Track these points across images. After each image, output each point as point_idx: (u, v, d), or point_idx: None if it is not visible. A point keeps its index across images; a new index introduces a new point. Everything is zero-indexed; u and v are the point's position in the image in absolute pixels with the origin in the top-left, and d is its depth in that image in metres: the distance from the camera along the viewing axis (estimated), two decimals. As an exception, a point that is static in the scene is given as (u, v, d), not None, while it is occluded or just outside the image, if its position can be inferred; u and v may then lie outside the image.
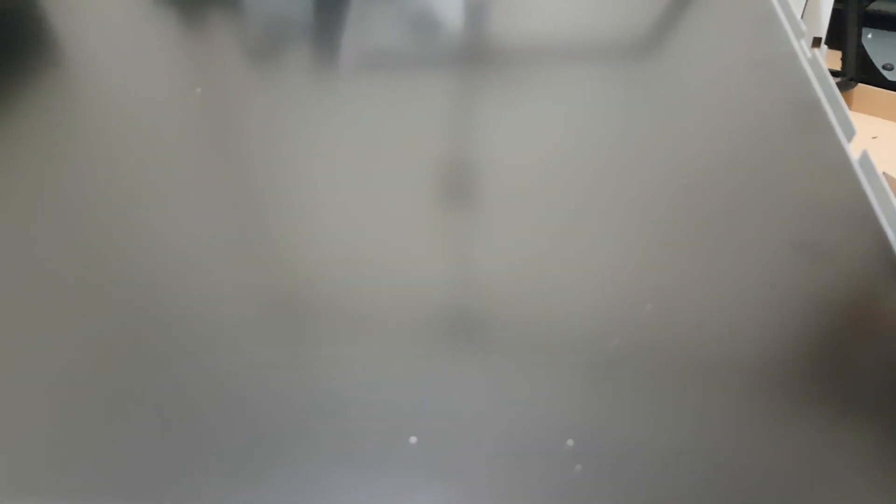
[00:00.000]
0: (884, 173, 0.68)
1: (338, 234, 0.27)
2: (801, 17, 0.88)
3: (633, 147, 0.31)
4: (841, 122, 0.31)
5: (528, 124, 0.32)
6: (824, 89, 0.32)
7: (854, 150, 0.30)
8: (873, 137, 0.81)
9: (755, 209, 0.28)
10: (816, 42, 0.91)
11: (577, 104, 0.34)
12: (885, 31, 0.93)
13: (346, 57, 0.37)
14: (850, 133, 0.30)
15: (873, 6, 0.94)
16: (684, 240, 0.27)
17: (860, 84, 0.84)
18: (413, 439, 0.20)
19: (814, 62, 0.33)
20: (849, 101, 0.85)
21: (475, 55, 0.37)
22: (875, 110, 0.83)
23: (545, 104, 0.34)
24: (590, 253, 0.26)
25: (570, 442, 0.20)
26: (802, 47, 0.35)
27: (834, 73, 0.85)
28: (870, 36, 0.91)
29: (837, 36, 0.89)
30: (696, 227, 0.27)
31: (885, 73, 0.88)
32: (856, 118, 0.85)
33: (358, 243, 0.26)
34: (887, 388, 0.21)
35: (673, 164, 0.30)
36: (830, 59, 0.89)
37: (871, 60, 0.88)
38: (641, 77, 0.35)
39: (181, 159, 0.31)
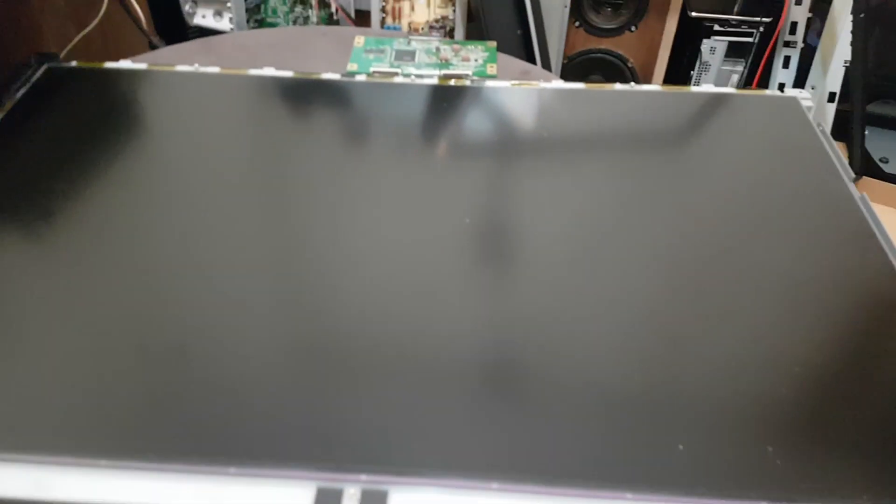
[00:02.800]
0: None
1: (383, 291, 0.37)
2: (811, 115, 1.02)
3: (662, 223, 0.42)
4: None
5: (569, 205, 0.43)
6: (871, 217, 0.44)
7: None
8: (876, 222, 0.94)
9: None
10: (822, 136, 1.05)
11: (614, 188, 0.45)
12: (880, 129, 1.08)
13: (427, 145, 0.48)
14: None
15: (869, 108, 1.09)
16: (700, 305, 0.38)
17: (865, 177, 0.98)
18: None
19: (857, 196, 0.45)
20: (854, 190, 0.99)
21: (537, 145, 0.48)
22: (876, 199, 0.97)
23: (584, 187, 0.45)
24: (613, 310, 0.37)
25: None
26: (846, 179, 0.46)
27: (841, 166, 0.99)
28: (867, 132, 1.06)
29: (840, 131, 1.04)
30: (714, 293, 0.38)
31: (881, 165, 1.02)
32: (860, 205, 0.97)
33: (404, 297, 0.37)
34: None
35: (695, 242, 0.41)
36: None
37: (869, 154, 1.03)
38: (675, 167, 0.47)
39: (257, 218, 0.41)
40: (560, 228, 0.42)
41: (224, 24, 0.76)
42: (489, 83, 0.53)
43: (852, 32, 0.88)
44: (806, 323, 0.37)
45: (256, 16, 0.77)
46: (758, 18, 0.96)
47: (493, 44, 0.63)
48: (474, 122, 0.51)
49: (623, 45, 1.04)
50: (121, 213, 0.41)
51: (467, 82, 0.53)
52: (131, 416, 0.31)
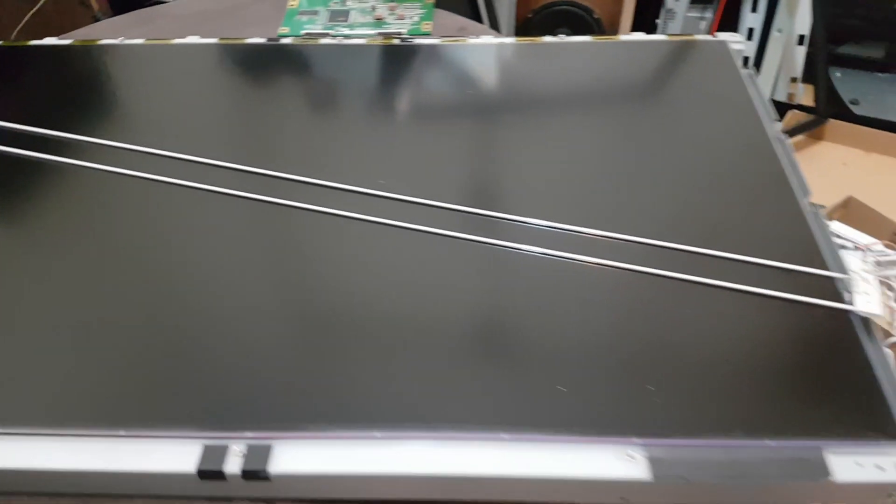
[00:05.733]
0: (850, 196, 0.80)
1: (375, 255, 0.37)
2: (781, 61, 1.01)
3: (624, 181, 0.42)
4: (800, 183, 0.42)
5: (539, 159, 0.43)
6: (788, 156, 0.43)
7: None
8: (843, 164, 0.93)
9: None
10: (794, 80, 1.04)
11: (539, 138, 0.45)
12: (852, 70, 1.06)
13: (391, 107, 0.48)
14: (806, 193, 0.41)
15: (841, 49, 1.07)
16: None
17: (832, 119, 0.97)
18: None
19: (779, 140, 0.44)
20: (822, 134, 0.98)
21: (500, 104, 0.48)
22: (845, 141, 0.96)
23: (507, 139, 0.45)
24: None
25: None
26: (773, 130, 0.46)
27: (808, 110, 0.98)
28: (839, 75, 1.05)
29: (811, 73, 1.02)
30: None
31: (852, 107, 1.01)
32: (828, 147, 0.98)
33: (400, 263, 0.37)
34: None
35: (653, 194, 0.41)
36: (807, 94, 1.02)
37: (840, 97, 1.01)
38: (601, 114, 0.47)
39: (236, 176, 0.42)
40: (475, 178, 0.42)
41: (171, -6, 0.75)
42: (417, 41, 0.53)
43: (811, -29, 0.86)
44: (698, 266, 0.37)
45: (202, -16, 0.77)
46: (719, -39, 0.94)
47: (431, 0, 0.62)
48: (393, 81, 0.51)
49: (588, -3, 1.03)
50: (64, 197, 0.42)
51: (396, 41, 0.53)
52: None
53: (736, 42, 0.52)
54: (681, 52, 0.52)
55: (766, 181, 0.42)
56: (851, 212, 0.79)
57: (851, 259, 0.36)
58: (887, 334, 0.69)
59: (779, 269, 0.37)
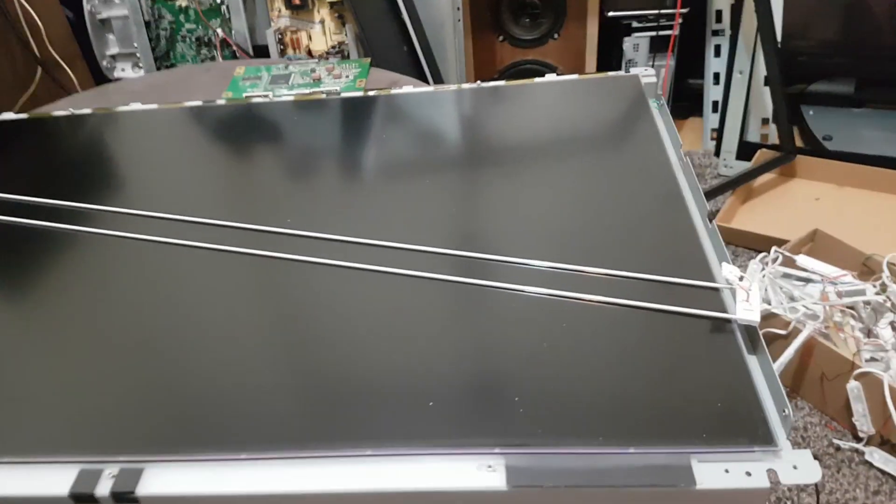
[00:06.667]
0: (816, 229, 0.79)
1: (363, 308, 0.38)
2: (747, 102, 1.02)
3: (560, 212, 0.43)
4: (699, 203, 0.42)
5: (499, 206, 0.45)
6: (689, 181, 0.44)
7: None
8: (816, 199, 0.93)
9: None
10: (766, 121, 1.05)
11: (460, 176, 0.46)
12: (824, 108, 1.06)
13: (363, 167, 0.50)
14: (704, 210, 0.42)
15: (812, 87, 1.08)
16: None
17: (805, 156, 0.97)
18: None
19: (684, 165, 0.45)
20: (795, 171, 0.98)
21: (425, 147, 0.50)
22: (818, 176, 0.96)
23: (513, 192, 0.46)
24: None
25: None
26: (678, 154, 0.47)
27: (777, 148, 0.98)
28: (811, 113, 1.05)
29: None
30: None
31: (825, 143, 1.01)
32: (801, 183, 0.97)
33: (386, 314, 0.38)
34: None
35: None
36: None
37: (813, 134, 1.02)
38: (552, 161, 0.48)
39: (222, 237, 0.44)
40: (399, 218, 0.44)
41: (141, 74, 0.80)
42: (344, 95, 0.56)
43: (756, 11, 0.88)
44: (601, 286, 0.38)
45: (167, 63, 0.82)
46: (673, 10, 0.97)
47: (367, 60, 0.66)
48: (308, 132, 0.53)
49: (550, 54, 1.06)
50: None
51: (322, 96, 0.56)
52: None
53: (647, 76, 0.54)
54: (598, 88, 0.54)
55: (666, 204, 0.42)
56: (818, 244, 0.78)
57: (732, 271, 0.36)
58: (854, 366, 0.67)
59: (672, 283, 0.37)
